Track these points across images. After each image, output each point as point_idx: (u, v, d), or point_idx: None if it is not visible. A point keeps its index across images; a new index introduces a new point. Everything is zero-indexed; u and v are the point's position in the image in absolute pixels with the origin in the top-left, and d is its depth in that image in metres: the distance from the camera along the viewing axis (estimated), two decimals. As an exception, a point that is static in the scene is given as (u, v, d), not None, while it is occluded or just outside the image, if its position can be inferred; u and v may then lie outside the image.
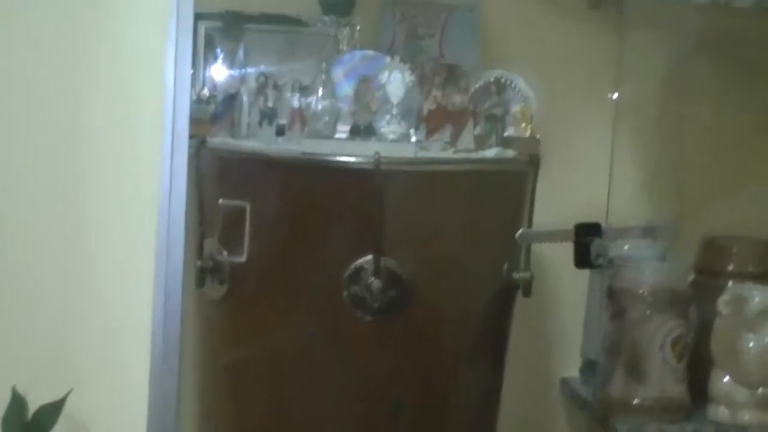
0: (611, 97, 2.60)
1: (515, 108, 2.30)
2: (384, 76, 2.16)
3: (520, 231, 2.20)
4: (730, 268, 2.44)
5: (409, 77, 2.17)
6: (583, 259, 2.21)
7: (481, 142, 2.26)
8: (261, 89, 2.24)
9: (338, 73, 2.24)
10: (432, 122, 2.23)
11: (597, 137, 2.58)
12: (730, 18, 2.61)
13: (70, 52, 2.03)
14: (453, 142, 2.22)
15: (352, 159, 2.07)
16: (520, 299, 2.27)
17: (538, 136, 2.27)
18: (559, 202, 2.44)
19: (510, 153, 2.25)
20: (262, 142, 2.20)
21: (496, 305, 2.25)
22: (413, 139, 2.18)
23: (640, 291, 2.32)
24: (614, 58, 2.56)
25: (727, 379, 2.33)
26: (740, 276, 2.42)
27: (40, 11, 2.02)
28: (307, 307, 2.12)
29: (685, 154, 2.66)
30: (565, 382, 2.64)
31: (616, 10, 2.56)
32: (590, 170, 2.59)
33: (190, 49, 1.95)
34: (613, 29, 2.58)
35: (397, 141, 2.13)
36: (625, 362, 2.33)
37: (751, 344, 2.28)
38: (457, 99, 2.24)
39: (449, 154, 2.20)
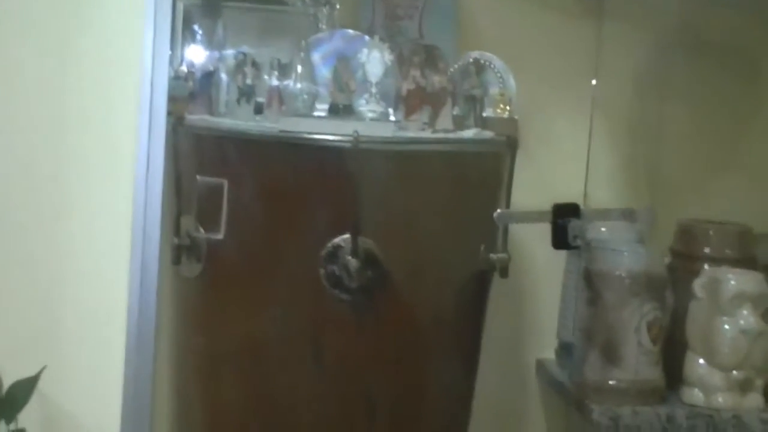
0: (590, 82, 2.60)
1: (494, 89, 2.30)
2: (363, 56, 2.15)
3: (497, 211, 2.21)
4: (707, 251, 2.43)
5: (389, 56, 2.16)
6: (560, 240, 2.22)
7: (459, 123, 2.26)
8: (239, 67, 2.23)
9: (317, 53, 2.23)
10: (411, 102, 2.22)
11: (575, 122, 2.58)
12: (708, 10, 2.62)
13: (47, 28, 2.02)
14: (432, 122, 2.21)
15: (330, 137, 2.06)
16: (496, 280, 2.27)
17: (516, 117, 2.27)
18: (536, 185, 2.45)
19: (488, 134, 2.25)
20: (240, 120, 2.19)
21: (472, 286, 2.25)
22: (392, 118, 2.17)
23: (617, 273, 2.31)
24: (594, 43, 2.56)
25: (701, 362, 2.33)
26: (716, 260, 2.41)
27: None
28: (284, 285, 2.11)
29: (662, 142, 2.67)
30: (540, 364, 2.64)
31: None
32: (568, 154, 2.59)
33: (168, 27, 1.95)
34: (593, 14, 2.58)
35: (376, 120, 2.12)
36: (600, 344, 2.33)
37: (726, 327, 2.29)
38: (436, 80, 2.23)
39: (428, 134, 2.19)
